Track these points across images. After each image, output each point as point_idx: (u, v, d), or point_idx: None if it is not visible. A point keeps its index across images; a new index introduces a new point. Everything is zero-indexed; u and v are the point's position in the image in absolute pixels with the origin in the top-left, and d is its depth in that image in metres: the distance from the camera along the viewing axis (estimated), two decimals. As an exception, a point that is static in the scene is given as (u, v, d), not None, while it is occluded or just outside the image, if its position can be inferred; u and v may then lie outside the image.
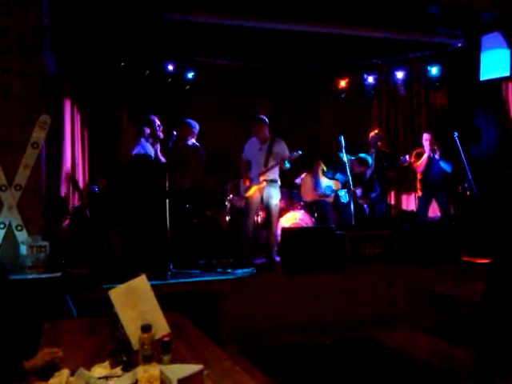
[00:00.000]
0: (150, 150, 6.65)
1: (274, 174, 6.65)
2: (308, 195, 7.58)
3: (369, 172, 7.68)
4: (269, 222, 6.71)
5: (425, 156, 7.52)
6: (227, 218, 7.38)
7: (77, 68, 7.56)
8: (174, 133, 6.66)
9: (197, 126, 6.93)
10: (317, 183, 7.41)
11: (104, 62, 7.95)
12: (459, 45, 8.63)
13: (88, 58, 7.71)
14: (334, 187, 7.36)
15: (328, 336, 5.03)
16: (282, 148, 6.67)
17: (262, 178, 6.58)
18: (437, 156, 7.42)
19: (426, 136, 7.60)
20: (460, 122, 8.59)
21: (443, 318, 5.08)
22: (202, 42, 8.09)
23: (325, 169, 7.41)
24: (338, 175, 7.34)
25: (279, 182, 6.75)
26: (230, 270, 6.18)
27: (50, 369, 2.03)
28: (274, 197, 6.65)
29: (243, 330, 5.14)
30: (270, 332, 5.16)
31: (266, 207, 6.76)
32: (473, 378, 3.85)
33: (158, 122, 6.72)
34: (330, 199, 7.37)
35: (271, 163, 6.59)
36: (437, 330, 5.05)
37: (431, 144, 7.45)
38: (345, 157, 7.04)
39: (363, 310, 5.59)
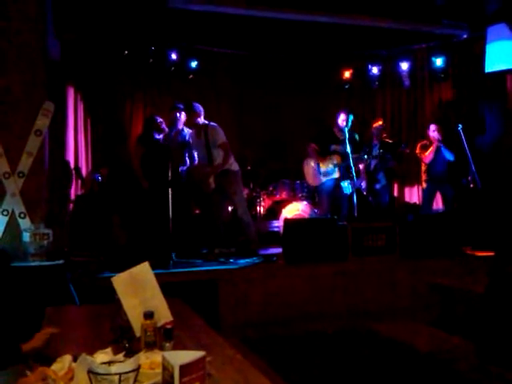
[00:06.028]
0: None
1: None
2: (313, 180, 7.48)
3: (373, 163, 7.67)
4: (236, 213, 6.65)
5: (433, 146, 7.57)
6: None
7: (80, 56, 7.56)
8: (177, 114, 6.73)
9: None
10: (317, 166, 7.33)
11: (107, 50, 7.95)
12: (464, 36, 8.58)
13: (91, 46, 7.72)
14: (335, 161, 7.29)
15: (329, 326, 5.04)
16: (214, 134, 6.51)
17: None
18: (440, 144, 7.50)
19: (433, 127, 7.66)
20: (464, 113, 8.56)
21: (445, 310, 5.09)
22: (206, 31, 8.06)
23: (318, 148, 7.35)
24: (332, 146, 7.28)
25: (233, 168, 6.58)
26: (232, 260, 6.18)
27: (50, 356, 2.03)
28: (230, 186, 6.55)
29: (244, 320, 5.16)
30: (271, 321, 5.17)
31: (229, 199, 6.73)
32: (473, 370, 3.86)
33: (159, 120, 6.80)
34: (337, 175, 7.25)
35: (213, 154, 6.48)
36: (438, 322, 5.06)
37: (439, 134, 7.53)
38: (346, 133, 7.01)
39: (364, 301, 5.59)
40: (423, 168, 7.85)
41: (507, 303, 3.74)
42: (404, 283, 5.78)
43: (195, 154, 6.80)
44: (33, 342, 2.14)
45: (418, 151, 7.74)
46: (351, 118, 7.23)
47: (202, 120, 6.59)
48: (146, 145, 6.63)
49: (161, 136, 6.75)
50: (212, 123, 6.60)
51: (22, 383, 1.72)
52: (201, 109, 6.61)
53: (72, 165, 7.45)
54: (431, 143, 7.61)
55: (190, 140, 6.79)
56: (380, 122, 8.02)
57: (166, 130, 6.80)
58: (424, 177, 7.84)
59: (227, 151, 6.48)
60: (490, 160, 7.87)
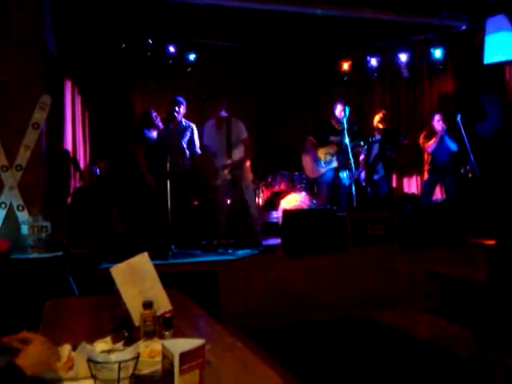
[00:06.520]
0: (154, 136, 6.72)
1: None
2: (312, 172, 7.46)
3: (374, 152, 7.65)
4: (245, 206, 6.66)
5: (437, 136, 7.56)
6: (228, 201, 7.38)
7: (78, 50, 7.54)
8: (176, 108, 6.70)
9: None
10: (316, 158, 7.30)
11: (105, 44, 7.92)
12: (463, 28, 8.56)
13: (89, 40, 7.69)
14: (332, 151, 7.26)
15: (328, 315, 5.05)
16: (238, 129, 6.56)
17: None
18: (443, 134, 7.51)
19: (438, 117, 7.66)
20: (463, 104, 8.55)
21: (444, 298, 5.09)
22: (204, 24, 8.02)
23: (315, 141, 7.31)
24: (331, 137, 7.25)
25: (248, 163, 6.66)
26: (230, 251, 6.20)
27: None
28: (245, 180, 6.62)
29: (243, 310, 5.17)
30: (270, 312, 5.18)
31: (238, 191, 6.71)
32: (472, 357, 3.86)
33: (153, 114, 6.81)
34: (335, 163, 7.23)
35: (234, 147, 6.50)
36: (437, 310, 5.07)
37: (444, 124, 7.54)
38: (345, 123, 7.00)
39: (364, 290, 5.61)
40: (426, 158, 7.84)
41: (508, 292, 3.74)
42: (403, 272, 5.80)
43: (196, 142, 6.78)
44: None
45: (421, 141, 7.75)
46: (348, 108, 7.22)
47: (224, 113, 6.63)
48: (144, 142, 6.62)
49: (155, 133, 6.72)
50: (234, 117, 6.66)
51: (28, 352, 1.68)
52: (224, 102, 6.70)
53: (70, 157, 7.45)
54: (435, 133, 7.60)
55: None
56: (381, 114, 7.97)
57: (161, 126, 6.77)
58: (426, 167, 7.83)
59: (249, 146, 6.55)
60: (491, 150, 7.87)
